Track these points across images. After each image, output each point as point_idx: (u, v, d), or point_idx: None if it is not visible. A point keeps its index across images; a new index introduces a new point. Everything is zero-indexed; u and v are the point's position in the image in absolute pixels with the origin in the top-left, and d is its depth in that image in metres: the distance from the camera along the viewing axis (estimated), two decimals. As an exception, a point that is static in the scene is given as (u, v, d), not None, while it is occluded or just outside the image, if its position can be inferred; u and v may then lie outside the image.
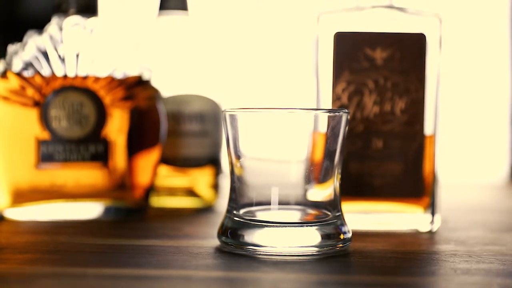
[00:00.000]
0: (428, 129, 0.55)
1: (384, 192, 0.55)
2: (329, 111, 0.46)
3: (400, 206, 0.55)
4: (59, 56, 0.57)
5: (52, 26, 0.58)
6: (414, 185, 0.55)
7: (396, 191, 0.55)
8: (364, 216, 0.55)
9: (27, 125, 0.57)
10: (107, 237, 0.52)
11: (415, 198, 0.55)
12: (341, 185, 0.48)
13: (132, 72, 0.58)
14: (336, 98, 0.55)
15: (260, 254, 0.45)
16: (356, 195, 0.55)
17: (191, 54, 0.67)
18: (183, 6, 0.68)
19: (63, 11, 0.58)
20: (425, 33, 0.55)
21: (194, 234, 0.53)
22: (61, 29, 0.57)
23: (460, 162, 1.07)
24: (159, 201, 0.67)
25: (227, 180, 0.49)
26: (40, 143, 0.57)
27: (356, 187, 0.55)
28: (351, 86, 0.55)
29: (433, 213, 0.56)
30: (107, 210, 0.58)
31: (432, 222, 0.56)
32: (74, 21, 0.58)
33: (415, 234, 0.54)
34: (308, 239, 0.46)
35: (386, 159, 0.55)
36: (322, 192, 0.47)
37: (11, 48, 0.57)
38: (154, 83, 0.61)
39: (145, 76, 0.59)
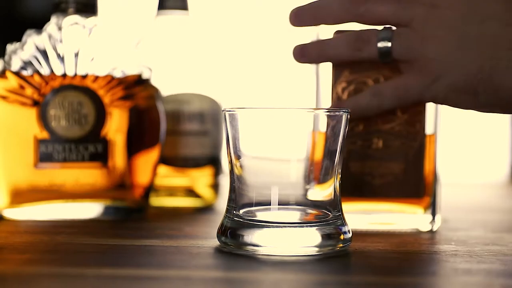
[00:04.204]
0: (428, 129, 0.55)
1: (385, 192, 0.55)
2: (329, 110, 0.46)
3: (400, 206, 0.55)
4: (58, 55, 0.57)
5: (51, 25, 0.57)
6: (415, 185, 0.55)
7: (397, 191, 0.55)
8: (364, 216, 0.55)
9: (26, 125, 0.57)
10: (106, 237, 0.52)
11: (415, 198, 0.55)
12: (341, 185, 0.48)
13: (132, 71, 0.58)
14: (336, 97, 0.55)
15: (260, 255, 0.45)
16: (356, 195, 0.55)
17: (190, 53, 0.67)
18: (183, 5, 0.67)
19: (62, 10, 0.58)
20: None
21: (193, 234, 0.53)
22: (60, 28, 0.57)
23: (461, 162, 1.07)
24: (159, 201, 0.66)
25: (227, 179, 0.49)
26: (39, 142, 0.57)
27: (356, 186, 0.55)
28: (351, 85, 0.55)
29: (433, 213, 0.55)
30: (107, 210, 0.58)
31: (432, 222, 0.55)
32: (73, 20, 0.57)
33: (416, 234, 0.54)
34: (308, 239, 0.45)
35: (387, 159, 0.55)
36: (322, 192, 0.47)
37: (10, 47, 0.57)
38: (154, 82, 0.60)
39: (145, 75, 0.59)
